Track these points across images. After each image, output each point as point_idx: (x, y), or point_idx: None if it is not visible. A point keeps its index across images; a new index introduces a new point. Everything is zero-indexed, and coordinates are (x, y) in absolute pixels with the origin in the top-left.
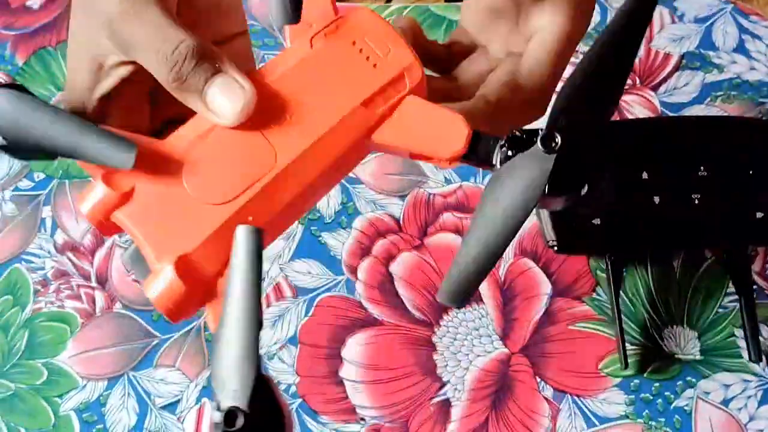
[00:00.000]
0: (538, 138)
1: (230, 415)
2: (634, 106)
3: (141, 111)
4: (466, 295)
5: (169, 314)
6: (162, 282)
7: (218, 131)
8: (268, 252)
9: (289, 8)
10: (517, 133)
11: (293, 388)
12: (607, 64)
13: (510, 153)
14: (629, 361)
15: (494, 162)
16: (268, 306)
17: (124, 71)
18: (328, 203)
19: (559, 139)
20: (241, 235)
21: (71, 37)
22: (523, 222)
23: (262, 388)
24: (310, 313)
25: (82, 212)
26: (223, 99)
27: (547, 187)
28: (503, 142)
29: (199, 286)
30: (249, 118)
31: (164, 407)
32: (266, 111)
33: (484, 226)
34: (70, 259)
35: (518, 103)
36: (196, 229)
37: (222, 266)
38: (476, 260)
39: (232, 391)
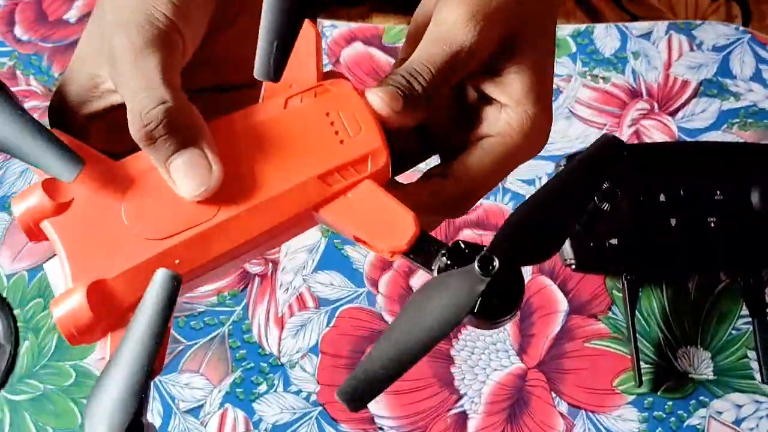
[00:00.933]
0: (477, 258)
1: None
2: (652, 130)
3: (122, 137)
4: (365, 399)
5: (70, 338)
6: (70, 304)
7: None
8: (293, 264)
9: (272, 66)
10: (462, 245)
11: (314, 397)
12: (559, 204)
13: (448, 263)
14: (643, 379)
15: (433, 268)
16: (291, 316)
17: (117, 99)
18: None
19: (497, 264)
20: (159, 279)
21: (80, 46)
22: (442, 338)
23: None
24: (331, 324)
25: (14, 213)
26: (186, 176)
27: (477, 307)
28: (445, 251)
29: (107, 316)
30: None
31: (188, 411)
32: (223, 161)
33: (401, 334)
34: None
35: (443, 198)
36: (120, 258)
37: (137, 301)
38: (385, 368)
39: None
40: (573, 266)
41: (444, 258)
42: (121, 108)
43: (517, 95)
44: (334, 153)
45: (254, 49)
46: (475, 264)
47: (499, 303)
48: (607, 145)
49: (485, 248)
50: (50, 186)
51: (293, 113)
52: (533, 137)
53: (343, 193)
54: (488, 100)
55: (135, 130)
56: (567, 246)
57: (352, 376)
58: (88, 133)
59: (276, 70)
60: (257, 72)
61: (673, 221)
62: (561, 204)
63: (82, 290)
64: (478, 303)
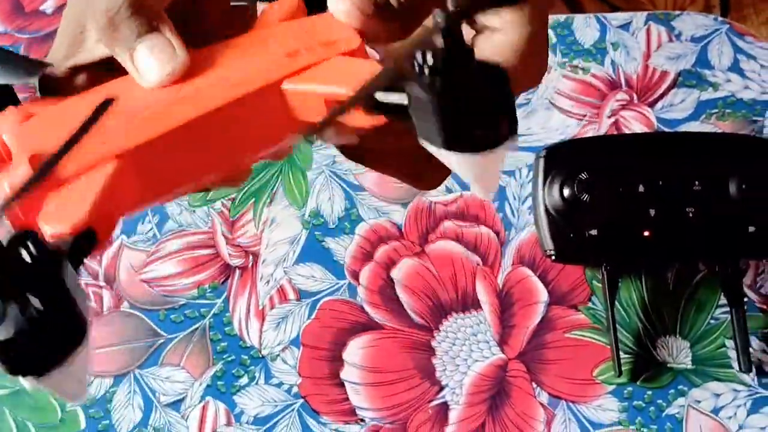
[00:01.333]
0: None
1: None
2: (632, 121)
3: None
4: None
5: (14, 219)
6: (12, 177)
7: None
8: (274, 256)
9: None
10: None
11: (295, 389)
12: None
13: None
14: (623, 369)
15: None
16: (272, 308)
17: (102, 53)
18: (332, 209)
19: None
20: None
21: (67, 7)
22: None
23: None
24: (312, 316)
25: None
26: (151, 60)
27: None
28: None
29: (49, 187)
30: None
31: (169, 405)
32: (192, 61)
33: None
34: None
35: None
36: (68, 137)
37: (79, 174)
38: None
39: None
40: (553, 257)
41: None
42: (104, 64)
43: (511, 18)
44: (302, 39)
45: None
46: (434, 13)
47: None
48: None
49: None
50: (15, 108)
51: (264, 28)
52: (528, 59)
53: (310, 66)
54: (478, 32)
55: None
56: (547, 236)
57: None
58: (71, 83)
59: None
60: None
61: (652, 212)
62: None
63: (24, 158)
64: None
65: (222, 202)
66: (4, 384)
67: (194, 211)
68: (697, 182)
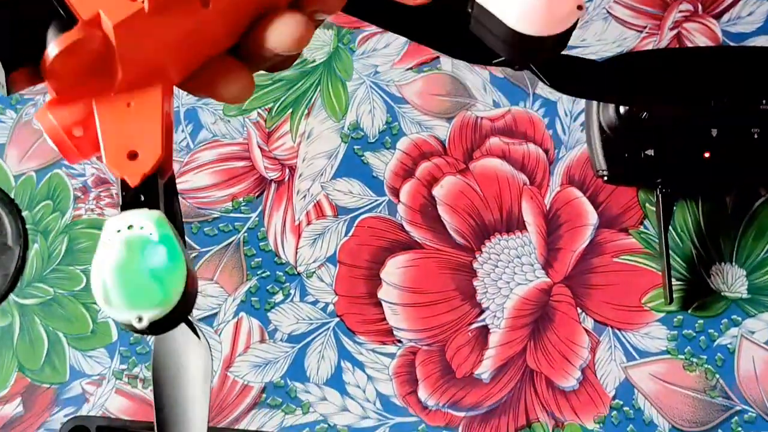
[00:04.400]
0: None
1: None
2: (695, 34)
3: None
4: None
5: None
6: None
7: None
8: (311, 170)
9: None
10: None
11: (331, 307)
12: None
13: None
14: (674, 296)
15: None
16: (309, 224)
17: None
18: (373, 122)
19: None
20: None
21: None
22: None
23: None
24: (350, 233)
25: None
26: None
27: None
28: None
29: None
30: None
31: (201, 320)
32: None
33: None
34: None
35: None
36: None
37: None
38: None
39: None
40: (605, 177)
41: None
42: None
43: None
44: None
45: None
46: None
47: None
48: None
49: None
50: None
51: None
52: None
53: None
54: None
55: None
56: (600, 156)
57: None
58: None
59: None
60: None
61: (714, 131)
62: None
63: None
64: None
65: (258, 112)
66: (34, 293)
67: (229, 120)
68: (764, 101)
